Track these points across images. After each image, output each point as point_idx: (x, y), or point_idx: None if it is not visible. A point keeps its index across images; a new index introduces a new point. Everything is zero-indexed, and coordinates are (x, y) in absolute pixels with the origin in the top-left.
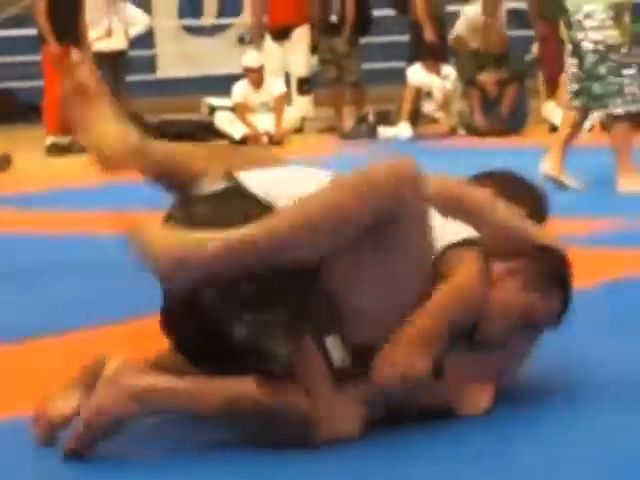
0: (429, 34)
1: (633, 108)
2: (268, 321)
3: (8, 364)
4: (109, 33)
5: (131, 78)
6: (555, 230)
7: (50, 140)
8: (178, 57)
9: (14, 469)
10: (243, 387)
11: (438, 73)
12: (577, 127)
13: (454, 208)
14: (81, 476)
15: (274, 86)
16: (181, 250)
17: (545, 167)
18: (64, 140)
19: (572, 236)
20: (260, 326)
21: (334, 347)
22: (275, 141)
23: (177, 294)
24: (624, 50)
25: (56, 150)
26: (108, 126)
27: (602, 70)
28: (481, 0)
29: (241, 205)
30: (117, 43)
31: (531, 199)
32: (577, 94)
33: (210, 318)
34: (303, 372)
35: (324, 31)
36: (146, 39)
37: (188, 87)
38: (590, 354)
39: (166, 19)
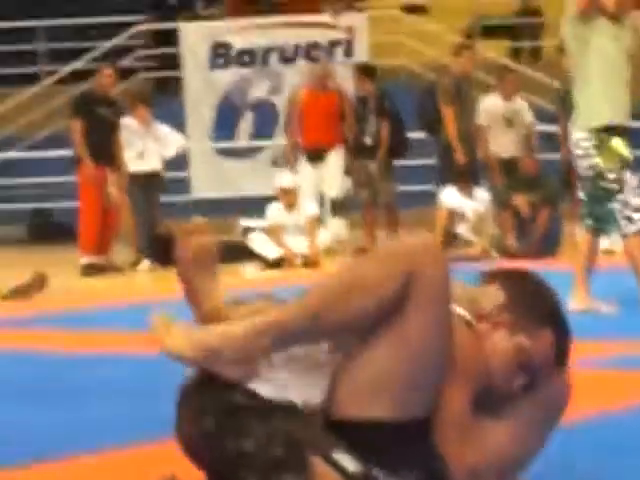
0: (460, 156)
1: (631, 231)
2: (273, 464)
3: None
4: (143, 155)
5: (166, 199)
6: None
7: (85, 260)
8: (212, 178)
9: None
10: None
11: (471, 195)
12: (594, 250)
13: None
14: None
15: (307, 207)
16: (211, 341)
17: (572, 304)
18: (99, 260)
19: (603, 358)
20: (267, 471)
21: (343, 457)
22: (309, 262)
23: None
24: (612, 176)
25: (91, 270)
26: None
27: (599, 194)
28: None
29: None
30: (151, 164)
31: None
32: (584, 217)
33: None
34: None
35: (358, 154)
36: (180, 160)
37: (222, 208)
38: None
39: (200, 141)
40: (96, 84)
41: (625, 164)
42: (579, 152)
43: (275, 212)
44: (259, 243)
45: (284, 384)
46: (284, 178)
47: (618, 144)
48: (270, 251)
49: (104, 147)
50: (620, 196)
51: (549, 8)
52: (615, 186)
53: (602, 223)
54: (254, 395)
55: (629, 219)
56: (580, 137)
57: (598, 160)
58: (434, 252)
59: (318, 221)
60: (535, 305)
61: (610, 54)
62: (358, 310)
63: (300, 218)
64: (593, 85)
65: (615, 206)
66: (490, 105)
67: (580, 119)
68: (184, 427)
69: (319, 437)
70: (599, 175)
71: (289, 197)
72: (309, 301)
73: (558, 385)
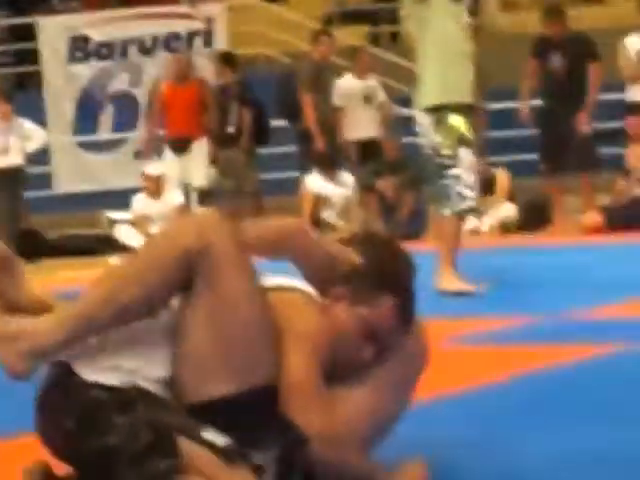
0: (319, 142)
1: (460, 207)
2: (143, 450)
3: None
4: (5, 150)
5: (28, 194)
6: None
7: None
8: (75, 172)
9: None
10: None
11: (335, 180)
12: (457, 230)
13: (277, 249)
14: None
15: (173, 197)
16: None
17: (442, 285)
18: None
19: (478, 334)
20: (138, 458)
21: (212, 435)
22: None
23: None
24: (447, 152)
25: None
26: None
27: (435, 170)
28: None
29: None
30: (14, 159)
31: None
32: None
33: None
34: (191, 466)
35: (222, 143)
36: (42, 155)
37: (86, 202)
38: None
39: (61, 135)
40: None
41: (462, 142)
42: (420, 131)
43: (140, 202)
44: (125, 234)
45: (131, 369)
46: (150, 166)
47: (455, 121)
48: (136, 242)
49: None
50: (453, 171)
51: None
52: (449, 162)
53: (438, 200)
54: (110, 389)
55: (460, 195)
56: (420, 116)
57: (435, 138)
58: (221, 222)
59: (184, 210)
60: (373, 272)
61: (449, 33)
62: (150, 287)
63: (165, 207)
64: (431, 64)
65: (448, 182)
66: (345, 85)
67: (420, 98)
68: (45, 430)
69: (183, 420)
70: (435, 152)
71: (154, 184)
72: (102, 286)
73: (412, 346)
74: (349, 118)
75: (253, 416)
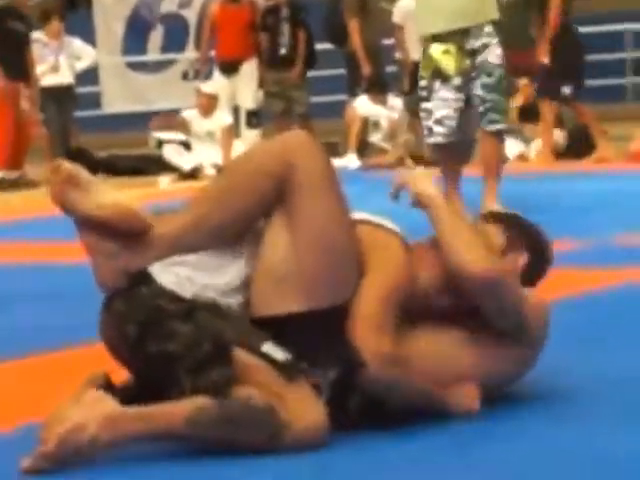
0: (365, 67)
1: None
2: (203, 358)
3: None
4: (56, 68)
5: (78, 114)
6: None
7: None
8: (123, 93)
9: None
10: (203, 400)
11: (384, 104)
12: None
13: None
14: None
15: (222, 117)
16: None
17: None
18: (11, 175)
19: None
20: (197, 367)
21: (272, 349)
22: None
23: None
24: (423, 83)
25: (4, 185)
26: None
27: (505, 85)
28: None
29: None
30: (64, 78)
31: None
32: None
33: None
34: (250, 378)
35: (272, 65)
36: (91, 76)
37: (135, 122)
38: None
39: (110, 55)
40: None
41: (438, 74)
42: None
43: (191, 115)
44: (173, 154)
45: (204, 283)
46: (207, 84)
47: (435, 52)
48: (184, 162)
49: (17, 61)
50: (426, 104)
51: None
52: (423, 94)
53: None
54: (176, 299)
55: (429, 130)
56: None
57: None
58: (307, 144)
59: (232, 132)
60: (529, 232)
61: None
62: (237, 212)
63: (214, 126)
64: None
65: (421, 114)
66: (405, 4)
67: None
68: (107, 333)
69: (245, 332)
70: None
71: (208, 102)
72: (191, 211)
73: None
74: (408, 38)
75: (318, 336)
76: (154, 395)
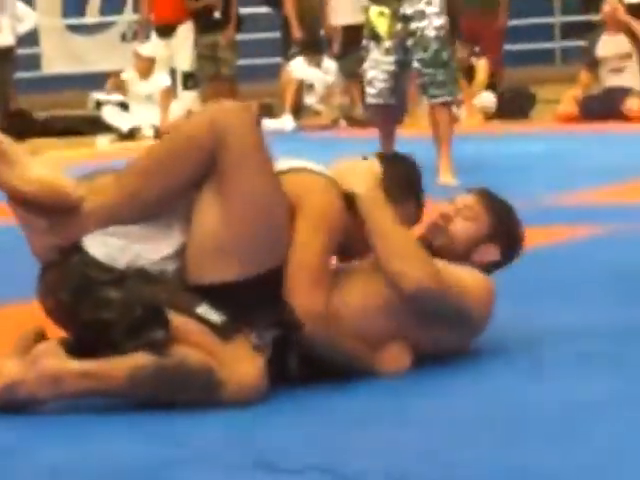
0: (295, 30)
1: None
2: (136, 321)
3: None
4: None
5: (17, 75)
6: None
7: None
8: (63, 54)
9: None
10: (142, 359)
11: (319, 66)
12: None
13: None
14: None
15: (160, 79)
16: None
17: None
18: None
19: None
20: (132, 329)
21: (207, 311)
22: (161, 135)
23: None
24: (363, 43)
25: None
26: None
27: (445, 56)
28: None
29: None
30: (5, 39)
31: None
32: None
33: (83, 324)
34: (186, 340)
35: (205, 28)
36: (30, 37)
37: (74, 83)
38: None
39: (50, 17)
40: None
41: (372, 36)
42: (434, 9)
43: (129, 76)
44: (112, 115)
45: (137, 252)
46: (143, 46)
47: (372, 14)
48: (123, 123)
49: None
50: (364, 65)
51: None
52: (363, 54)
53: (440, 89)
54: (107, 269)
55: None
56: None
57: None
58: (238, 115)
59: (170, 93)
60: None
61: None
62: (169, 184)
63: (152, 88)
64: None
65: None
66: None
67: None
68: (44, 301)
69: (178, 296)
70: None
71: (145, 65)
72: (123, 184)
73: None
74: (334, 3)
75: (253, 299)
76: (93, 349)
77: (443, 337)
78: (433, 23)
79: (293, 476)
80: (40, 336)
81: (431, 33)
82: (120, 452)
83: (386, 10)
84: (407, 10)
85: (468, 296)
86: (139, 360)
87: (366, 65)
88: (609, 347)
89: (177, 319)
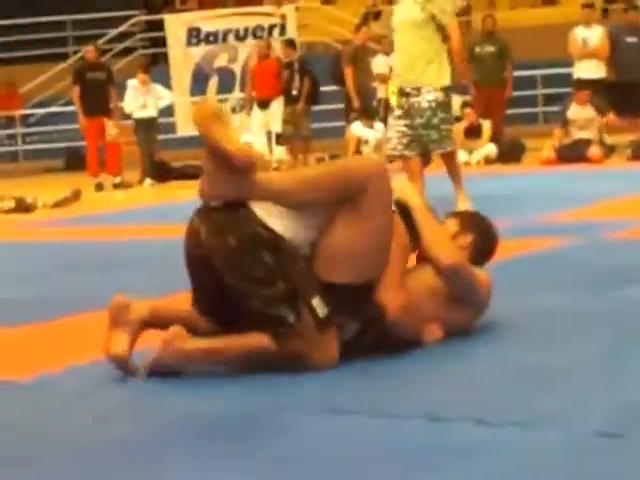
0: (355, 102)
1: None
2: (276, 295)
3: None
4: (144, 106)
5: (160, 137)
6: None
7: (96, 181)
8: (191, 122)
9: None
10: (265, 342)
11: (372, 127)
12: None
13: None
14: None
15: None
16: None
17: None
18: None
19: None
20: (270, 300)
21: (318, 305)
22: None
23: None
24: (397, 113)
25: (100, 187)
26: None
27: (435, 121)
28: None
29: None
30: (150, 112)
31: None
32: (408, 145)
33: (231, 296)
34: (301, 329)
35: (288, 102)
36: (168, 110)
37: (199, 142)
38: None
39: (182, 96)
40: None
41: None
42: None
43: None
44: None
45: (288, 227)
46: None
47: (389, 90)
48: None
49: (99, 102)
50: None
51: None
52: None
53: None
54: (268, 229)
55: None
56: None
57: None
58: (382, 171)
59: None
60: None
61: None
62: (322, 196)
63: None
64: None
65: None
66: (379, 61)
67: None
68: (203, 239)
69: (305, 282)
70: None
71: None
72: (294, 179)
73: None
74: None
75: (350, 298)
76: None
77: (463, 317)
78: (426, 98)
79: (355, 418)
80: (127, 305)
81: (425, 105)
82: (231, 399)
83: (395, 89)
84: (407, 88)
85: (479, 282)
86: (262, 342)
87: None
88: (572, 325)
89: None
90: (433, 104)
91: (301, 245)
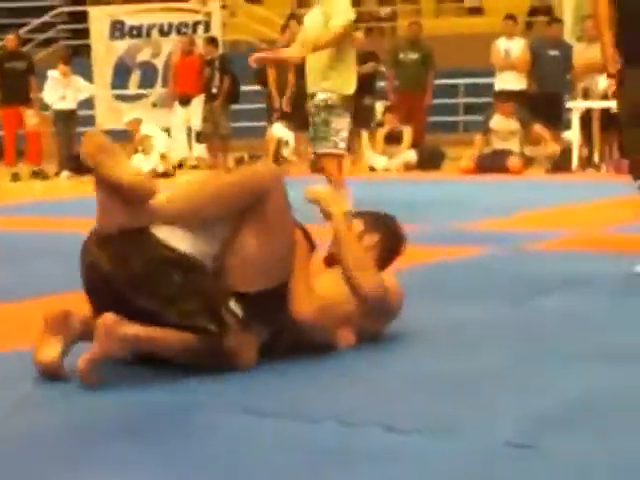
0: (276, 103)
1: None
2: (192, 309)
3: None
4: (64, 97)
5: (78, 129)
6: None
7: (12, 171)
8: (111, 116)
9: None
10: (193, 339)
11: (292, 129)
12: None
13: None
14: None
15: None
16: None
17: None
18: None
19: None
20: (187, 315)
21: (235, 306)
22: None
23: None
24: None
25: (16, 177)
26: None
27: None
28: None
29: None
30: (70, 104)
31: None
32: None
33: (144, 315)
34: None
35: (207, 99)
36: (89, 103)
37: (118, 137)
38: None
39: (103, 89)
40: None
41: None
42: None
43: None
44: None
45: (194, 244)
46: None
47: None
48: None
49: (18, 91)
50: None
51: None
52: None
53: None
54: (173, 250)
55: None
56: None
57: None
58: (278, 175)
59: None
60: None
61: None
62: (223, 210)
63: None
64: None
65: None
66: None
67: None
68: (105, 268)
69: (220, 289)
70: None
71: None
72: (192, 197)
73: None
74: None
75: (263, 303)
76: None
77: (374, 325)
78: (319, 97)
79: (268, 419)
80: (67, 315)
81: (321, 104)
82: (150, 397)
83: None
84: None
85: (391, 294)
86: (190, 340)
87: None
88: (484, 334)
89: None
90: (320, 103)
91: (208, 258)
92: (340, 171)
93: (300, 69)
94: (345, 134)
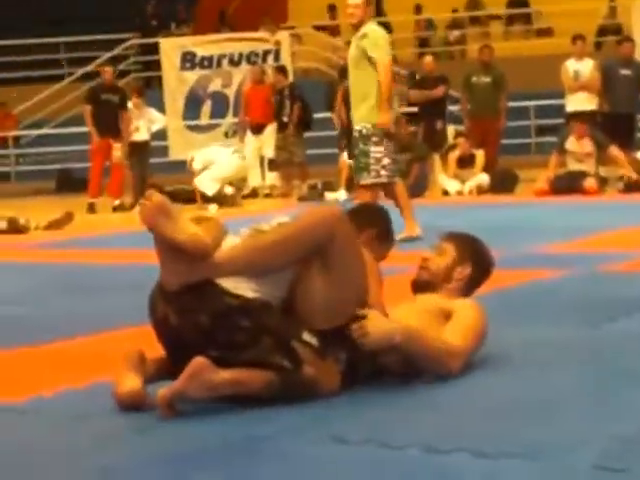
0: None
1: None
2: (265, 350)
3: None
4: (137, 129)
5: (152, 160)
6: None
7: (91, 201)
8: (183, 146)
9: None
10: (272, 377)
11: None
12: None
13: None
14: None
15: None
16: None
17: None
18: (98, 201)
19: None
20: (261, 356)
21: (308, 337)
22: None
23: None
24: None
25: (92, 209)
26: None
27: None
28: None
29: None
30: (143, 136)
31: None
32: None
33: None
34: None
35: (279, 127)
36: (162, 134)
37: None
38: None
39: (175, 120)
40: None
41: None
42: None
43: None
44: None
45: (258, 289)
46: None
47: None
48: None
49: (110, 125)
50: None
51: None
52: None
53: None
54: (238, 297)
55: (376, 172)
56: None
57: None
58: (343, 217)
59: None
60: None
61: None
62: (284, 262)
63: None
64: None
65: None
66: None
67: None
68: (173, 322)
69: (291, 325)
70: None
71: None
72: (252, 250)
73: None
74: None
75: (335, 334)
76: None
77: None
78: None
79: (354, 447)
80: (142, 355)
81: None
82: (231, 426)
83: None
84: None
85: (477, 331)
86: (271, 377)
87: None
88: (566, 356)
89: (293, 344)
90: (357, 134)
91: (275, 300)
92: (398, 198)
93: None
94: (388, 161)
